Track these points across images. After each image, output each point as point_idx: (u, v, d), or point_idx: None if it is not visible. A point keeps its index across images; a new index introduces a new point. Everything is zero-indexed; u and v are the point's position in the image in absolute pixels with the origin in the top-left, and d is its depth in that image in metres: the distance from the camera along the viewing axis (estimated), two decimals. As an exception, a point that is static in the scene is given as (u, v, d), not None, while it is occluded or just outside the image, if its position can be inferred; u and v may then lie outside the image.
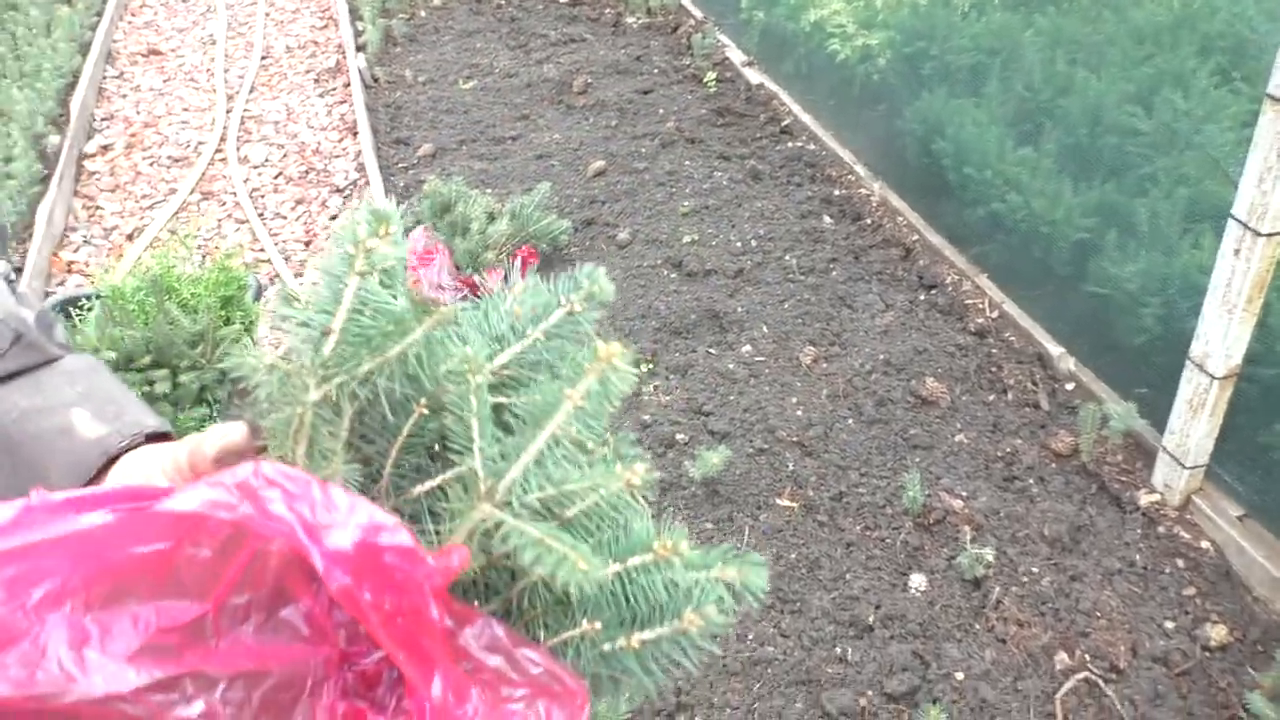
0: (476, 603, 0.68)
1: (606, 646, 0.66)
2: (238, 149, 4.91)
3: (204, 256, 4.21)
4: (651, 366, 3.20)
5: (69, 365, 0.79)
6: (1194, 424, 2.53)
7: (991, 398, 3.08)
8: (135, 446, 0.74)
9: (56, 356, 0.79)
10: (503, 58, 5.44)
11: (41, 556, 0.52)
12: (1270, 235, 2.21)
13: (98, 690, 0.52)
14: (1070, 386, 3.07)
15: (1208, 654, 2.33)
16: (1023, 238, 3.31)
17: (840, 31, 4.20)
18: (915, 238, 3.77)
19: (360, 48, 5.56)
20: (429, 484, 0.69)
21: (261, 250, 4.17)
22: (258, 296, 3.10)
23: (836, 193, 4.11)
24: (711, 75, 5.01)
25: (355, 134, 4.91)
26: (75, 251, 4.17)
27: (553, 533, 0.62)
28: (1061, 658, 2.29)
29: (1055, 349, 3.15)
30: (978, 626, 2.37)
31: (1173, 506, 2.65)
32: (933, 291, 3.53)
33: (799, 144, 4.47)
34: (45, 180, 4.34)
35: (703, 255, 3.71)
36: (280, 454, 0.67)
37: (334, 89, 5.45)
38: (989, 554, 2.47)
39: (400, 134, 4.71)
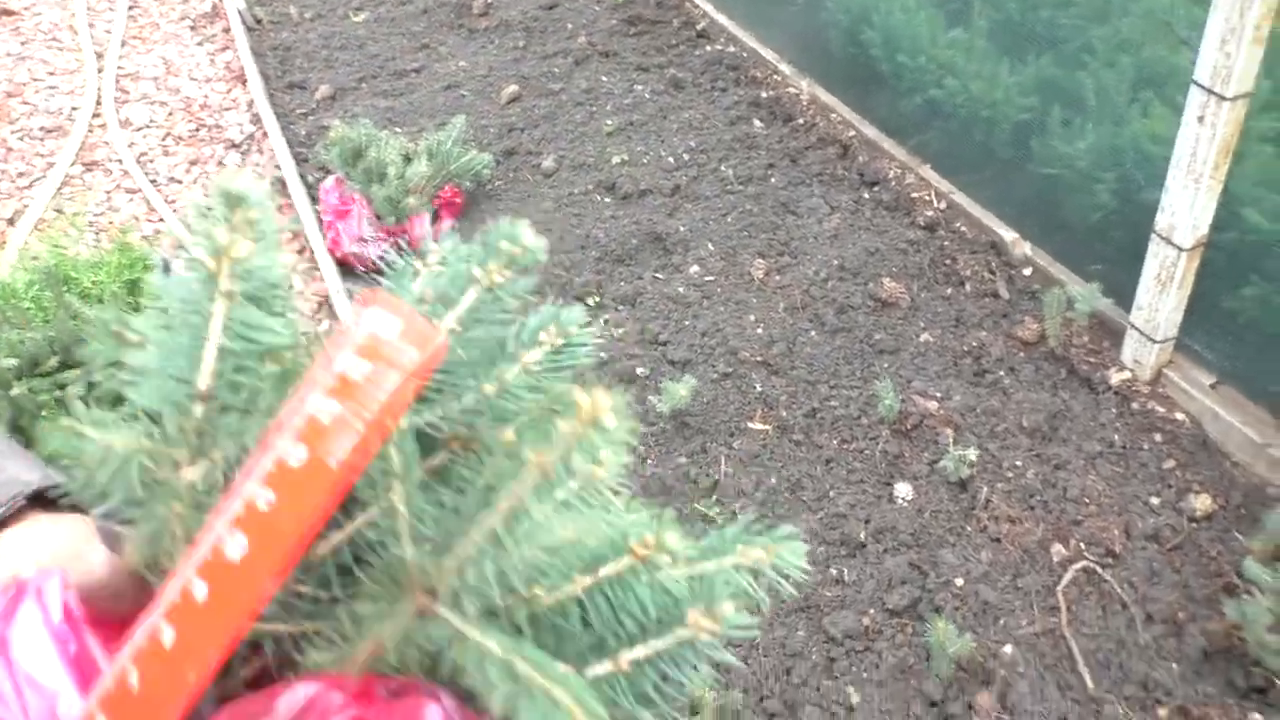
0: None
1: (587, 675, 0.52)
2: (116, 112, 4.53)
3: (98, 235, 3.89)
4: (598, 299, 3.05)
5: None
6: (1162, 298, 2.49)
7: (950, 291, 3.00)
8: (16, 513, 0.60)
9: None
10: (392, -16, 5.09)
11: None
12: (1235, 98, 2.13)
13: None
14: (1028, 272, 3.01)
15: (1195, 525, 2.32)
16: (963, 123, 3.21)
17: (749, -77, 3.98)
18: (851, 134, 3.65)
19: (235, -12, 5.14)
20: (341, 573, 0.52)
21: (160, 220, 3.86)
22: (167, 272, 2.85)
23: (764, 95, 3.95)
24: (617, -17, 4.76)
25: (244, 82, 4.56)
26: (-48, 243, 3.82)
27: (531, 657, 0.47)
28: (1058, 549, 2.26)
29: (1008, 234, 3.07)
30: (970, 529, 2.33)
31: (1144, 382, 2.62)
32: (876, 188, 3.42)
33: (718, 47, 4.28)
34: (-95, 168, 3.95)
35: (635, 175, 3.53)
36: (155, 567, 0.51)
37: (214, 35, 5.05)
38: (971, 454, 2.42)
39: (293, 78, 4.38)
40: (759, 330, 2.89)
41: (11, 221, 3.93)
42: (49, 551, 0.55)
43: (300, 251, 3.47)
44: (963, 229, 3.20)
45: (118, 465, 0.50)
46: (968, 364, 2.75)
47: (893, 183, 3.41)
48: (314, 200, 3.55)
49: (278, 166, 3.90)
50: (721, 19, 4.34)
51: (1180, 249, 2.40)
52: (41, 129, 4.46)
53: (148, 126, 4.46)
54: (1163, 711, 1.97)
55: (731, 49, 4.24)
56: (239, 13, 4.88)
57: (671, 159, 3.64)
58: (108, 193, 4.08)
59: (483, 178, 3.56)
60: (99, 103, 4.58)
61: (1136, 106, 2.63)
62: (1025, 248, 3.03)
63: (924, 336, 2.84)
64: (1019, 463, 2.46)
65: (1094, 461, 2.46)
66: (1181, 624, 2.10)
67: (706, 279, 3.10)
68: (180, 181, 4.08)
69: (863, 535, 2.32)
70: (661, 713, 0.53)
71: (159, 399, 0.49)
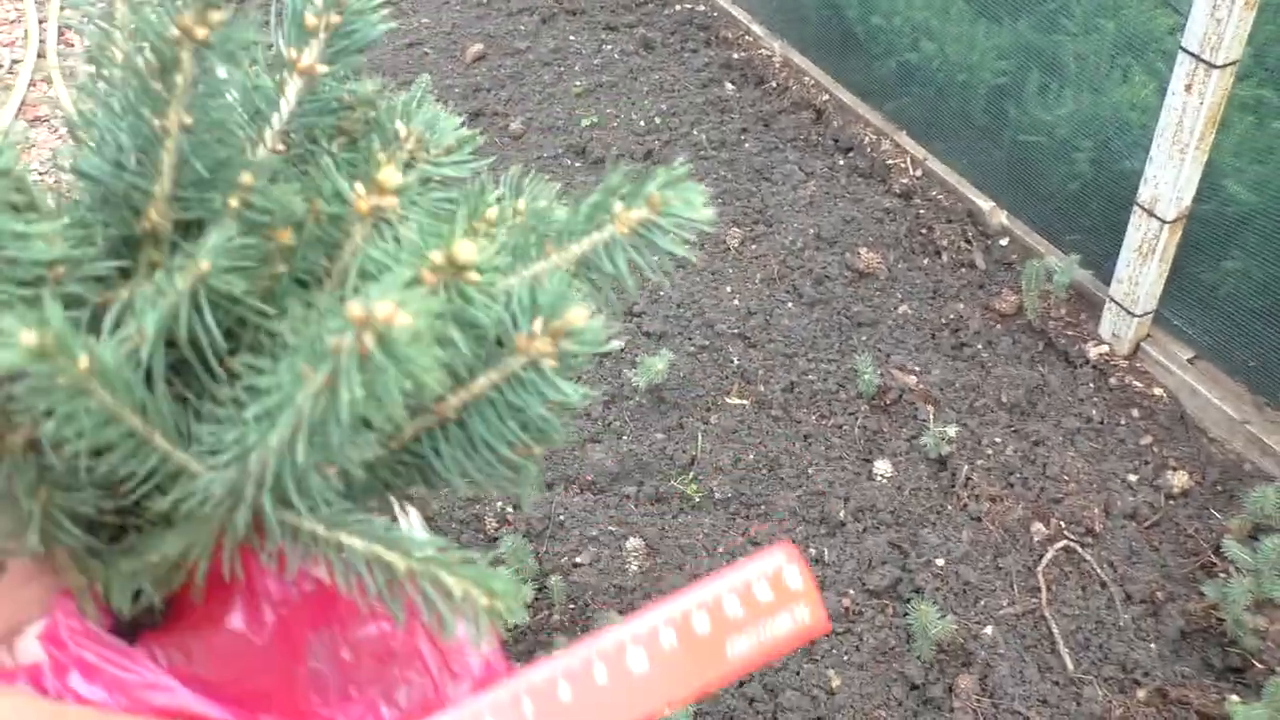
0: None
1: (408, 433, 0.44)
2: (60, 63, 4.32)
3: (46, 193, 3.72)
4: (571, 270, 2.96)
5: None
6: (1143, 271, 2.46)
7: (926, 261, 2.96)
8: None
9: None
10: (349, -66, 4.89)
11: None
12: (1225, 66, 2.09)
13: None
14: (1004, 242, 2.97)
15: (1173, 502, 2.32)
16: (939, 88, 3.14)
17: (722, -124, 3.85)
18: (825, 98, 3.57)
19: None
20: None
21: (109, 181, 3.70)
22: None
23: (735, 56, 3.85)
24: (584, -64, 4.60)
25: (195, 36, 4.37)
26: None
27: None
28: (1038, 528, 2.24)
29: (985, 204, 3.03)
30: (950, 507, 2.30)
31: (1122, 356, 2.60)
32: (851, 154, 3.35)
33: (688, 6, 4.16)
34: None
35: (606, 139, 3.43)
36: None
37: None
38: (951, 430, 2.39)
39: (247, 32, 4.20)
40: (735, 301, 2.83)
41: (-50, 182, 3.75)
42: None
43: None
44: (939, 197, 3.15)
45: None
46: (946, 337, 2.71)
47: (868, 148, 3.35)
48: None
49: (232, 126, 3.75)
50: (692, -24, 4.21)
51: (1163, 221, 2.37)
52: (-20, 83, 4.25)
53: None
54: (1141, 693, 1.97)
55: (701, 8, 4.12)
56: (188, -38, 4.67)
57: (643, 122, 3.54)
58: (53, 150, 3.90)
59: (448, 140, 3.44)
60: (41, 54, 4.37)
61: (1117, 73, 2.58)
62: (1002, 217, 2.99)
63: (902, 308, 2.80)
64: (998, 439, 2.44)
65: (1073, 438, 2.44)
66: (1160, 604, 2.10)
67: (680, 248, 3.02)
68: (129, 141, 3.91)
69: (842, 514, 2.29)
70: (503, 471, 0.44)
71: None
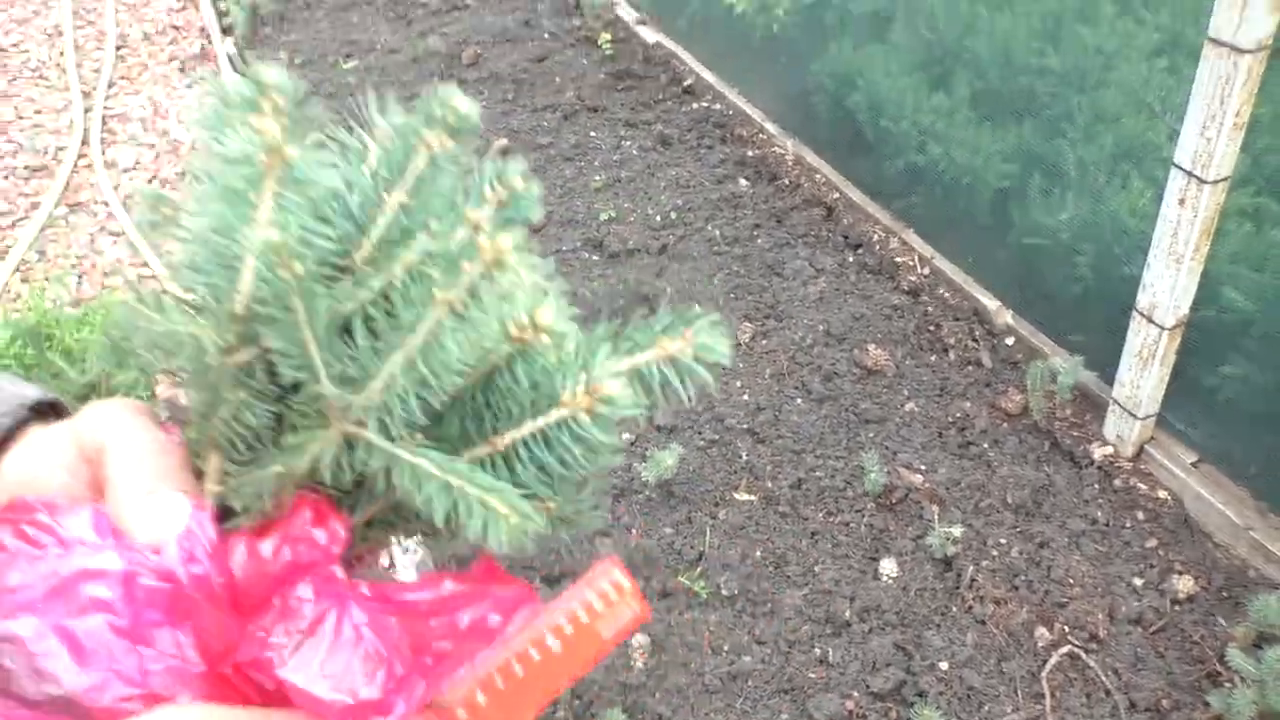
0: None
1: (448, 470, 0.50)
2: (103, 152, 4.51)
3: (80, 278, 3.86)
4: (585, 361, 3.04)
5: None
6: (1144, 375, 2.51)
7: (934, 359, 3.02)
8: (22, 426, 0.59)
9: None
10: (383, 32, 5.11)
11: None
12: (1216, 182, 2.16)
13: None
14: (1010, 341, 3.03)
15: (1178, 607, 2.33)
16: (946, 189, 3.24)
17: (739, -17, 4.03)
18: (836, 195, 3.67)
19: (226, 30, 5.16)
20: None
21: (144, 265, 3.84)
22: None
23: (750, 153, 3.98)
24: (606, 37, 4.80)
25: (231, 127, 4.55)
26: (-69, 287, 3.78)
27: (457, 471, 0.47)
28: (1042, 633, 2.26)
29: (991, 303, 3.10)
30: (955, 609, 2.32)
31: (1126, 458, 2.64)
32: (860, 251, 3.44)
33: (705, 104, 4.31)
34: (-115, 210, 3.91)
35: (623, 233, 3.54)
36: (201, 445, 0.52)
37: (203, 79, 5.04)
38: (956, 530, 2.42)
39: (281, 124, 4.38)
40: (745, 396, 2.89)
41: (-8, 266, 3.90)
42: (65, 442, 0.54)
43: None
44: (946, 295, 3.22)
45: (176, 346, 0.49)
46: (952, 435, 2.76)
47: (877, 246, 3.44)
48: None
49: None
50: (709, 76, 4.38)
51: (1162, 328, 2.42)
52: (27, 167, 4.44)
53: (134, 168, 4.45)
54: (1146, 803, 1.96)
55: (718, 106, 4.27)
56: (228, 56, 4.89)
57: (659, 217, 3.65)
58: (91, 235, 4.05)
59: (470, 233, 3.56)
60: (85, 143, 4.56)
61: (1116, 180, 2.66)
62: (1008, 316, 3.05)
63: (909, 406, 2.85)
64: (1003, 540, 2.46)
65: (1078, 540, 2.46)
66: (1165, 713, 2.10)
67: (692, 342, 3.10)
68: (164, 227, 4.05)
69: (848, 613, 2.31)
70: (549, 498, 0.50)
71: (203, 288, 0.49)
